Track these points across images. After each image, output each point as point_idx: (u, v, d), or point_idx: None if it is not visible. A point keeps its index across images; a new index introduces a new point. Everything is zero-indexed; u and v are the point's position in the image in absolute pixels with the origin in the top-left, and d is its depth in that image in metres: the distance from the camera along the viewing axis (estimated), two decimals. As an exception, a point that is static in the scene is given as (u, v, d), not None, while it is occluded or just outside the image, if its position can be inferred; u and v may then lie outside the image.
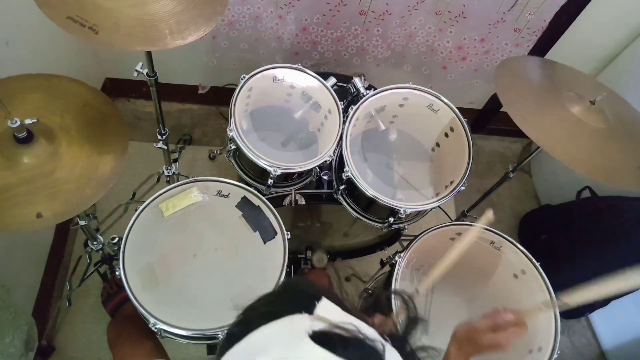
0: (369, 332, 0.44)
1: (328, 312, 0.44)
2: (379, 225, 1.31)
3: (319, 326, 0.41)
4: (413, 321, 0.55)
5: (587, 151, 1.08)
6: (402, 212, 1.18)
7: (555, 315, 1.11)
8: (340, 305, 0.46)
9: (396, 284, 1.13)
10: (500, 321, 0.81)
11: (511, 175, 1.28)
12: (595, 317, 1.92)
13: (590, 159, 1.06)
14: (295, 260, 1.63)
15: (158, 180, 1.72)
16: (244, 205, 1.16)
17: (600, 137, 1.10)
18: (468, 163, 1.23)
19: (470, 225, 1.22)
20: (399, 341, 0.48)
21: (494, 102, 2.07)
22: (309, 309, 0.44)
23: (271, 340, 0.41)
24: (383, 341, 0.44)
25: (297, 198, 1.30)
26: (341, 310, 0.45)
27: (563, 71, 1.28)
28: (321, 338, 0.40)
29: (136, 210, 1.09)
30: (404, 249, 1.20)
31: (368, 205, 1.29)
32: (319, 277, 1.41)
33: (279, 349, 0.40)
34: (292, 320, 0.43)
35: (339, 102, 1.27)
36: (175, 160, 1.81)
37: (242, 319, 0.46)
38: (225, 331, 0.43)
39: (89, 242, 1.34)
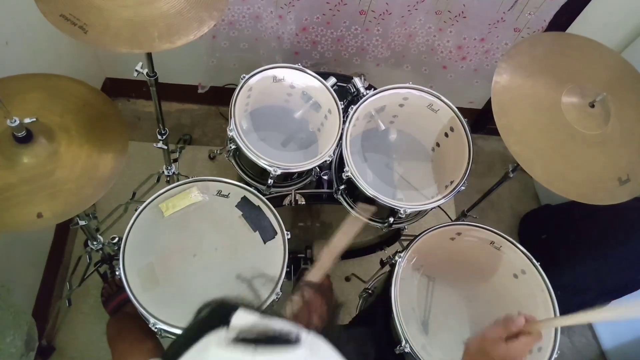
0: (282, 326, 0.45)
1: (243, 320, 0.44)
2: (379, 225, 1.31)
3: (230, 335, 0.42)
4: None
5: (569, 164, 1.08)
6: (402, 212, 1.18)
7: (555, 315, 1.11)
8: (257, 311, 0.46)
9: (396, 284, 1.13)
10: (513, 329, 0.76)
11: (511, 175, 1.27)
12: (595, 317, 1.92)
13: (569, 174, 1.07)
14: (296, 260, 1.63)
15: (158, 180, 1.72)
16: (244, 205, 1.16)
17: (589, 145, 1.09)
18: (468, 163, 1.23)
19: (471, 225, 1.23)
20: (327, 329, 0.49)
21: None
22: (225, 323, 0.44)
23: None
24: (300, 331, 0.44)
25: (297, 198, 1.30)
26: (257, 315, 0.46)
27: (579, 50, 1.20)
28: (233, 343, 0.41)
29: (136, 210, 1.09)
30: (404, 249, 1.20)
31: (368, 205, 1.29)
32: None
33: None
34: (207, 338, 0.43)
35: (339, 102, 1.27)
36: (175, 160, 1.81)
37: (169, 352, 0.45)
38: None
39: (89, 242, 1.34)
